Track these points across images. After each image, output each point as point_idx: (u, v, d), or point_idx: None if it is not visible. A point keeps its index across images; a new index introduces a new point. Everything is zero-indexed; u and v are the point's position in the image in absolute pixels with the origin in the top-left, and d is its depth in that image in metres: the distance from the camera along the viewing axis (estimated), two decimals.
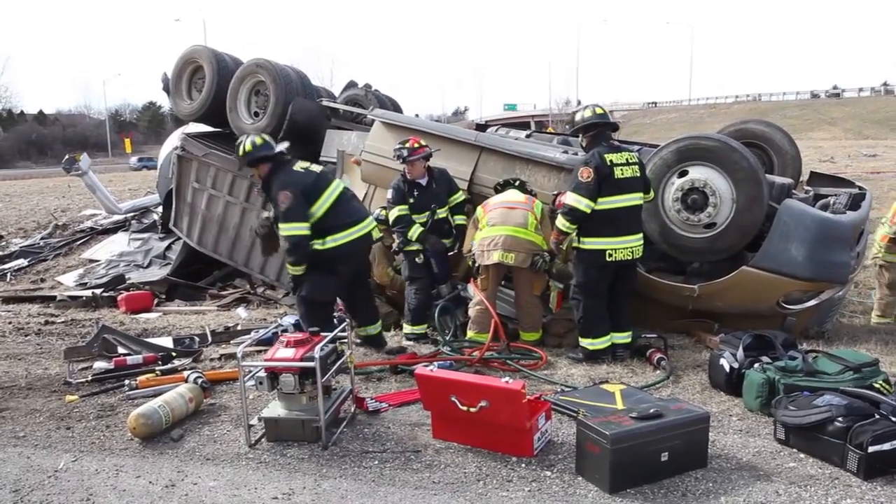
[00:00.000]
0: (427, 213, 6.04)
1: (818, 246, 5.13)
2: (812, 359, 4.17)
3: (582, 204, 4.92)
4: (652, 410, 3.38)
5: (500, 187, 5.96)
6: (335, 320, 5.13)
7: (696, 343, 5.58)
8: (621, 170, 5.00)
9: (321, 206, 5.00)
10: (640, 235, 5.15)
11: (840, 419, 3.33)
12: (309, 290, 5.13)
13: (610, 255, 5.00)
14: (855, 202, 6.14)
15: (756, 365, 4.19)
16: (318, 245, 5.01)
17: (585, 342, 5.15)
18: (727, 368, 4.37)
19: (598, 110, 5.21)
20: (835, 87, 66.22)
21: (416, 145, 6.03)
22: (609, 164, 4.95)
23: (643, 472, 3.26)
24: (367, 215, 5.40)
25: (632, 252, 5.07)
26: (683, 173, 5.40)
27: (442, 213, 6.08)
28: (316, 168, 5.24)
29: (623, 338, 5.21)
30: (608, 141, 5.23)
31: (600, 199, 4.94)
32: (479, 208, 5.78)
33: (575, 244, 5.13)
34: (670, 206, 5.43)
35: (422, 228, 5.99)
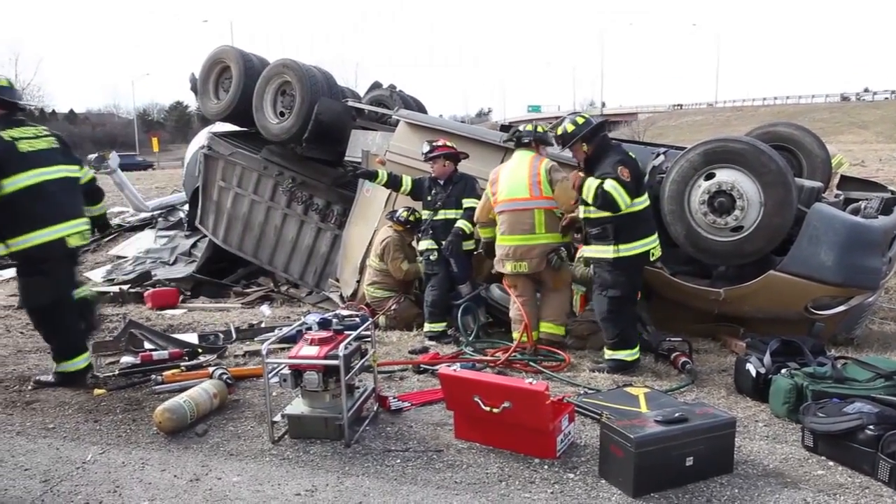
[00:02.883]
0: (431, 211, 6.18)
1: (848, 251, 5.04)
2: (841, 365, 4.10)
3: (622, 199, 4.62)
4: (677, 414, 3.34)
5: (508, 139, 5.82)
6: (359, 318, 5.13)
7: (722, 347, 5.52)
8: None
9: (8, 186, 4.46)
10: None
11: (871, 427, 3.26)
12: (23, 297, 4.94)
13: (653, 255, 4.89)
14: (887, 206, 6.02)
15: (783, 370, 4.13)
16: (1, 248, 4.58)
17: (623, 354, 4.89)
18: (753, 373, 4.31)
19: (582, 116, 4.99)
20: (866, 90, 64.96)
21: (439, 144, 6.12)
22: (636, 162, 4.88)
23: (667, 477, 3.22)
24: (72, 216, 4.73)
25: (659, 248, 5.00)
26: (710, 176, 5.33)
27: (450, 214, 6.08)
28: (39, 144, 4.67)
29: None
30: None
31: (638, 200, 4.80)
32: (491, 175, 5.61)
33: (614, 255, 4.78)
34: (696, 208, 5.37)
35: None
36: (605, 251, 4.82)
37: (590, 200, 4.74)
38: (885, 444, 3.19)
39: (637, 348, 4.95)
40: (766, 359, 4.29)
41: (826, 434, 3.46)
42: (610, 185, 4.61)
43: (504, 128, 9.22)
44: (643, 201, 4.87)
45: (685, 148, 5.83)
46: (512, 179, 5.41)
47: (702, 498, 3.14)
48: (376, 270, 6.63)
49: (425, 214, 6.25)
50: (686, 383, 4.65)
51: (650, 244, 4.87)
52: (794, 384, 3.94)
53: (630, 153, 4.91)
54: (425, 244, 6.17)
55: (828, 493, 3.16)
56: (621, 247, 4.77)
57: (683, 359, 4.94)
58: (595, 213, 4.85)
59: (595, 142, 4.89)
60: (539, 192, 5.28)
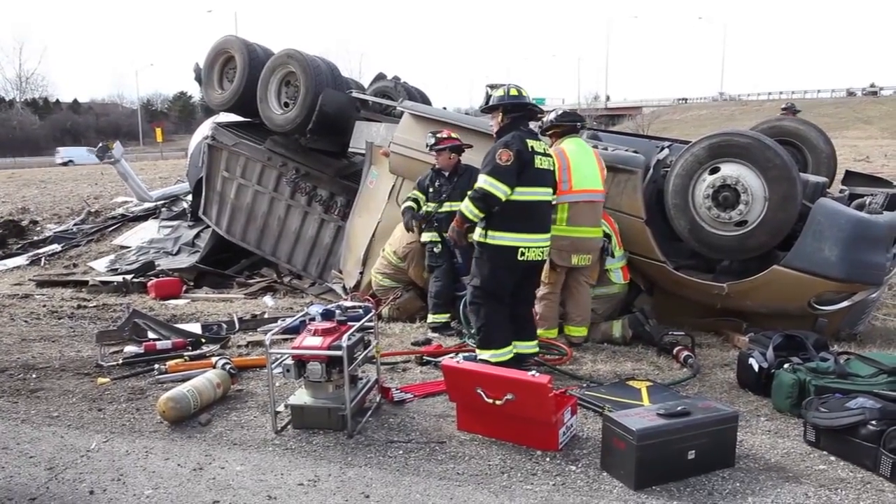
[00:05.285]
0: (436, 203, 6.14)
1: (853, 246, 5.03)
2: (844, 361, 4.10)
3: (499, 189, 4.32)
4: (679, 408, 3.35)
5: (557, 123, 5.58)
6: (362, 310, 5.13)
7: (724, 342, 5.52)
8: (540, 159, 4.52)
9: None
10: (550, 235, 4.70)
11: (873, 422, 3.27)
12: None
13: (522, 254, 4.45)
14: (892, 202, 6.01)
15: (786, 365, 4.13)
16: None
17: (486, 354, 4.52)
18: (756, 368, 4.31)
19: (524, 91, 4.68)
20: (872, 85, 64.60)
21: (445, 136, 6.10)
22: (531, 150, 4.46)
23: (669, 470, 3.23)
24: None
25: (542, 252, 4.59)
26: (715, 170, 5.33)
27: (456, 206, 6.03)
28: None
29: (529, 347, 4.73)
30: (527, 126, 4.73)
31: (518, 189, 4.40)
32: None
33: (479, 238, 4.51)
34: (700, 202, 5.36)
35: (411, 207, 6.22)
36: (478, 232, 4.55)
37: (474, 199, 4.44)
38: (887, 439, 3.19)
39: (505, 350, 4.54)
40: (769, 353, 4.29)
41: (828, 429, 3.46)
42: (482, 182, 4.39)
43: None
44: (527, 193, 4.45)
45: (690, 142, 5.82)
46: (588, 169, 5.26)
47: (703, 491, 3.15)
48: (391, 265, 6.59)
49: (430, 207, 6.22)
50: (688, 377, 4.65)
51: (523, 242, 4.44)
52: (797, 379, 3.94)
53: (529, 140, 4.51)
54: (429, 236, 6.17)
55: (829, 487, 3.16)
56: (490, 232, 4.46)
57: (686, 353, 4.95)
58: None
59: (509, 118, 4.62)
60: (604, 168, 5.41)
